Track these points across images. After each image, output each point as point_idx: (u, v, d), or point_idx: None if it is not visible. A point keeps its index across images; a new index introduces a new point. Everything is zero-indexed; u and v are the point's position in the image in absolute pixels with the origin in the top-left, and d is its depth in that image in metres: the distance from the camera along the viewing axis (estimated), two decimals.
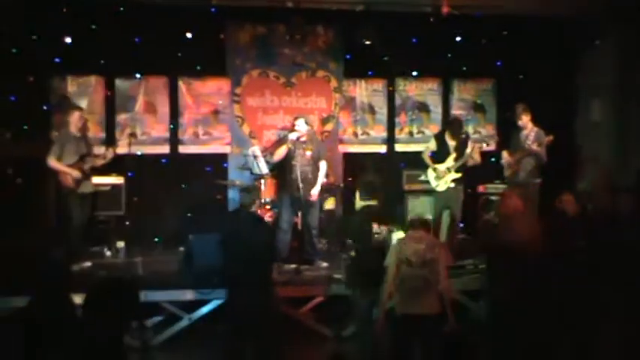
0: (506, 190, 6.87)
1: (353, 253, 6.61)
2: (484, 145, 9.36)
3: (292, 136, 8.44)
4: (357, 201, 6.67)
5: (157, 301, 7.47)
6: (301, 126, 8.51)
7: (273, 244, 7.10)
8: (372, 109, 10.93)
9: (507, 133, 9.34)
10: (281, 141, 8.68)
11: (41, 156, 8.43)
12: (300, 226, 8.62)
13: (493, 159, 9.78)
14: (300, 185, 8.15)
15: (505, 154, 9.15)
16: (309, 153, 8.48)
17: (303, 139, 8.49)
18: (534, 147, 8.75)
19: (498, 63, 10.86)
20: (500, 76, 11.07)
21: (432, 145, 9.05)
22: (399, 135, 10.99)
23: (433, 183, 8.84)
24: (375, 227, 6.34)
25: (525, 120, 8.94)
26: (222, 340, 6.52)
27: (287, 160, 8.45)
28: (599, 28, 10.26)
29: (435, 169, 8.81)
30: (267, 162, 9.06)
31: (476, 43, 10.48)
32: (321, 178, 8.56)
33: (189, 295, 7.50)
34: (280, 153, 8.50)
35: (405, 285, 5.74)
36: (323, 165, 8.60)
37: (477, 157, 8.80)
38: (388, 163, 10.73)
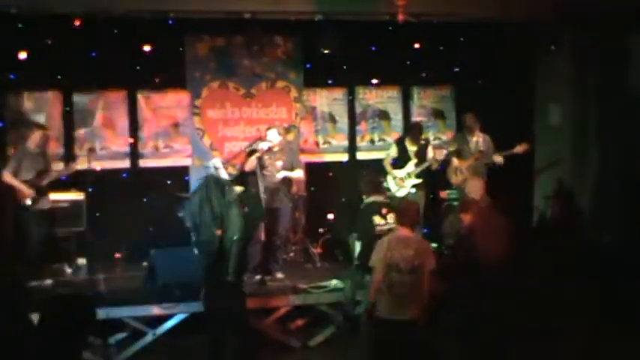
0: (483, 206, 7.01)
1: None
2: (444, 151, 9.47)
3: (263, 145, 8.42)
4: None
5: (120, 317, 7.38)
6: (273, 136, 8.52)
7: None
8: (332, 118, 10.93)
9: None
10: (251, 151, 8.63)
11: None
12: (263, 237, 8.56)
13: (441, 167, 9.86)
14: (263, 196, 8.12)
15: (455, 161, 9.29)
16: (279, 163, 8.49)
17: (275, 149, 8.49)
18: (498, 158, 8.92)
19: (457, 69, 10.94)
20: (458, 82, 11.15)
21: (393, 151, 9.23)
22: (360, 143, 11.02)
23: (393, 189, 9.02)
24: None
25: (476, 129, 9.17)
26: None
27: (256, 170, 8.41)
28: (555, 34, 10.39)
29: (394, 175, 8.96)
30: (230, 174, 8.99)
31: (434, 51, 10.56)
32: (289, 174, 8.57)
33: (152, 310, 7.42)
34: (251, 163, 8.45)
35: (393, 290, 5.78)
36: (297, 172, 8.68)
37: (435, 164, 8.94)
38: (350, 172, 10.72)
